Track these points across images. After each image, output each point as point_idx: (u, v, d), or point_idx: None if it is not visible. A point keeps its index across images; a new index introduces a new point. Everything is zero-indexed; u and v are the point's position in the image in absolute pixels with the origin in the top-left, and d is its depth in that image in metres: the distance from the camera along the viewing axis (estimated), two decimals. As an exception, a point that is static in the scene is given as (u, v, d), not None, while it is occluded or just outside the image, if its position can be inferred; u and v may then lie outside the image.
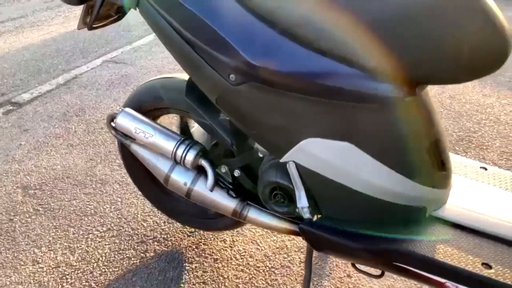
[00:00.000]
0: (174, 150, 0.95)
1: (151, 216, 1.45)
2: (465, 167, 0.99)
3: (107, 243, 1.34)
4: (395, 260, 0.77)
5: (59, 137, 1.96)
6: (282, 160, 0.81)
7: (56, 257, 1.30)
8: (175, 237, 1.36)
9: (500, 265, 0.72)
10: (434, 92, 2.21)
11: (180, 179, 1.00)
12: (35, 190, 1.60)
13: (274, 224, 0.94)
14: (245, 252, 1.29)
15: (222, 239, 1.34)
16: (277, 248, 1.30)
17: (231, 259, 1.27)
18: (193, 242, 1.33)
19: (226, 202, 0.97)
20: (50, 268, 1.26)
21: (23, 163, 1.77)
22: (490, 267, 0.72)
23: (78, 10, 4.37)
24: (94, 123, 2.07)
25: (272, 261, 1.26)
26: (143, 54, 3.00)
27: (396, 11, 0.60)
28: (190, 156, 0.94)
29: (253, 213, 0.96)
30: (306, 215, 0.84)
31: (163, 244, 1.33)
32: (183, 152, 0.94)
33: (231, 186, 0.98)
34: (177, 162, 0.97)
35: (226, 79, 0.75)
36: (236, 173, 0.96)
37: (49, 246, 1.34)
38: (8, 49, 3.22)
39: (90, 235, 1.38)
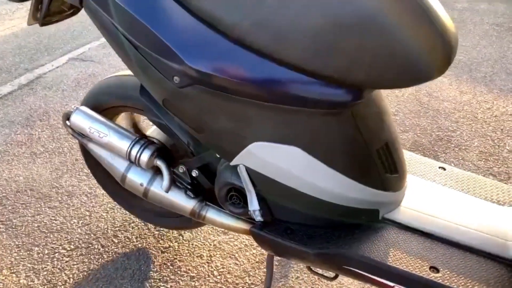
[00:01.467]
0: (129, 150, 0.94)
1: (122, 231, 1.36)
2: (423, 167, 0.98)
3: (75, 262, 1.25)
4: (345, 264, 0.78)
5: (21, 144, 1.83)
6: (232, 163, 0.81)
7: (19, 280, 1.20)
8: (148, 254, 1.28)
9: (448, 268, 0.73)
10: (411, 90, 2.19)
11: (137, 179, 0.99)
12: (-5, 205, 1.48)
13: (231, 224, 0.94)
14: (223, 268, 1.23)
15: (198, 254, 1.28)
16: (256, 262, 1.25)
17: (209, 276, 1.21)
18: (167, 259, 1.26)
19: (184, 202, 0.96)
20: (12, 294, 1.16)
21: (-19, 175, 1.64)
22: (438, 271, 0.73)
23: (42, 2, 4.14)
24: (60, 128, 1.95)
25: (252, 277, 1.20)
26: (112, 50, 2.85)
27: (341, 16, 0.59)
28: (145, 157, 0.93)
29: (211, 214, 0.96)
30: (258, 218, 0.85)
31: (135, 262, 1.26)
32: (138, 152, 0.93)
33: (189, 187, 0.97)
34: (132, 162, 0.96)
35: (170, 81, 0.73)
36: (194, 173, 0.95)
37: (11, 268, 1.24)
38: (-35, 46, 3.00)
39: (56, 254, 1.29)
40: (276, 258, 1.24)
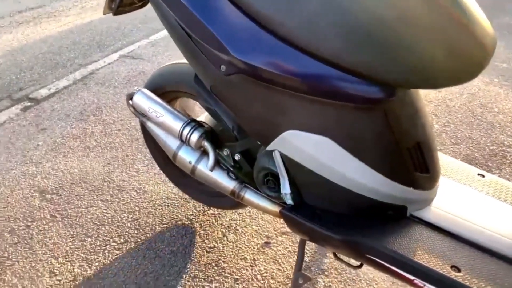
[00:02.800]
0: (181, 131, 1.02)
1: (169, 229, 1.41)
2: (462, 172, 0.98)
3: (124, 256, 1.31)
4: (368, 253, 0.80)
5: (76, 138, 1.93)
6: (268, 149, 0.87)
7: (73, 269, 1.27)
8: (194, 253, 1.32)
9: (470, 269, 0.73)
10: (464, 100, 2.11)
11: (186, 157, 1.08)
12: (52, 195, 1.57)
13: (266, 206, 1.00)
14: (267, 272, 1.25)
15: (242, 257, 1.30)
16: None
17: (252, 279, 1.23)
18: (212, 259, 1.29)
19: (225, 182, 1.04)
20: (68, 281, 1.23)
21: (40, 165, 1.74)
22: (459, 270, 0.73)
23: (95, 0, 4.32)
24: (111, 123, 2.04)
25: (295, 284, 1.21)
26: (161, 49, 2.94)
27: (378, 14, 0.62)
28: (194, 137, 1.01)
29: (249, 195, 1.02)
30: (289, 201, 0.91)
31: (181, 260, 1.29)
32: (188, 133, 1.02)
33: (231, 168, 1.04)
34: (183, 141, 1.04)
35: (218, 69, 0.80)
36: (237, 156, 1.01)
37: (67, 256, 1.31)
38: (26, 41, 3.19)
39: (108, 246, 1.35)
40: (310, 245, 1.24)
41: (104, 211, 1.49)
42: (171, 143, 1.09)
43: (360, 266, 0.96)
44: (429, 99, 2.14)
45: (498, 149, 1.72)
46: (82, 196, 1.56)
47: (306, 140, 0.79)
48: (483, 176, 0.97)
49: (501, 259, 0.76)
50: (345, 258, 1.09)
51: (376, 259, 0.79)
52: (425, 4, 0.59)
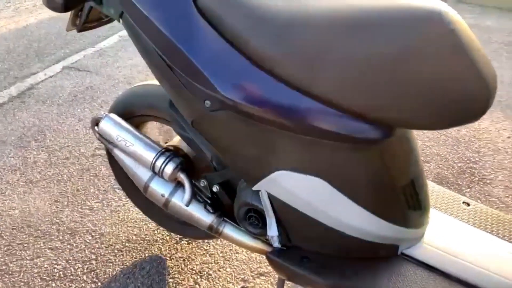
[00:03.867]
0: (153, 162, 0.95)
1: (133, 279, 1.24)
2: (447, 201, 0.98)
3: (81, 318, 1.13)
4: None
5: (15, 170, 1.68)
6: (254, 188, 0.82)
7: None
8: (164, 308, 1.17)
9: None
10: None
11: (159, 190, 1.00)
12: (-11, 245, 1.34)
13: (248, 243, 0.95)
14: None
15: (219, 308, 1.17)
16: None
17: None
18: (186, 315, 1.15)
19: (202, 216, 0.97)
20: None
21: (-29, 206, 1.49)
22: None
23: (30, 1, 3.93)
24: (57, 151, 1.80)
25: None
26: (109, 59, 2.70)
27: (376, 52, 0.59)
28: (169, 169, 0.94)
29: (228, 230, 0.97)
30: (275, 243, 0.87)
31: (150, 318, 1.14)
32: (162, 164, 0.94)
33: (208, 201, 0.97)
34: (155, 173, 0.97)
35: (201, 104, 0.75)
36: (215, 188, 0.95)
37: (9, 324, 1.11)
38: (-51, 50, 2.80)
39: (60, 307, 1.16)
40: None
41: (54, 262, 1.29)
42: (142, 174, 1.01)
43: None
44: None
45: (466, 166, 1.73)
46: (26, 245, 1.35)
47: (297, 181, 0.75)
48: (468, 204, 0.97)
49: None
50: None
51: None
52: (426, 41, 0.56)
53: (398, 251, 0.84)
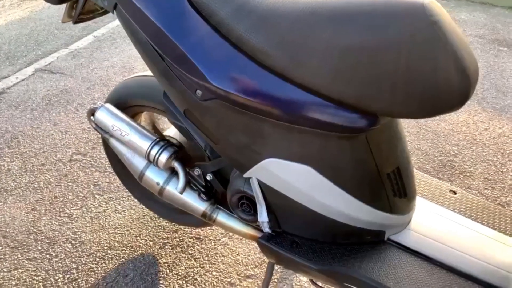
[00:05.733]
0: (148, 151, 0.97)
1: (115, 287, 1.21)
2: (434, 190, 1.00)
3: (63, 331, 1.09)
4: (347, 282, 0.80)
5: (-12, 178, 1.61)
6: (245, 176, 0.84)
7: None
8: (149, 316, 1.14)
9: None
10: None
11: (153, 178, 1.02)
12: (-39, 258, 1.28)
13: (240, 229, 0.97)
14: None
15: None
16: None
17: None
18: (172, 322, 1.12)
19: (196, 204, 0.99)
20: None
21: None
22: None
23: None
24: (32, 157, 1.74)
25: None
26: (84, 61, 2.62)
27: (358, 42, 0.60)
28: (163, 158, 0.96)
29: (221, 217, 0.99)
30: (266, 229, 0.89)
31: (135, 327, 1.11)
32: (157, 153, 0.96)
33: (202, 189, 0.99)
34: (150, 162, 0.99)
35: (193, 94, 0.77)
36: (209, 176, 0.97)
37: None
38: None
39: (41, 320, 1.12)
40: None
41: (33, 273, 1.25)
42: (137, 162, 1.03)
43: None
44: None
45: (446, 160, 1.76)
46: (2, 256, 1.29)
47: (286, 169, 0.77)
48: (455, 193, 1.00)
49: (476, 283, 0.79)
50: (321, 284, 1.01)
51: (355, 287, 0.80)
52: (410, 33, 0.58)
53: (385, 236, 0.87)
